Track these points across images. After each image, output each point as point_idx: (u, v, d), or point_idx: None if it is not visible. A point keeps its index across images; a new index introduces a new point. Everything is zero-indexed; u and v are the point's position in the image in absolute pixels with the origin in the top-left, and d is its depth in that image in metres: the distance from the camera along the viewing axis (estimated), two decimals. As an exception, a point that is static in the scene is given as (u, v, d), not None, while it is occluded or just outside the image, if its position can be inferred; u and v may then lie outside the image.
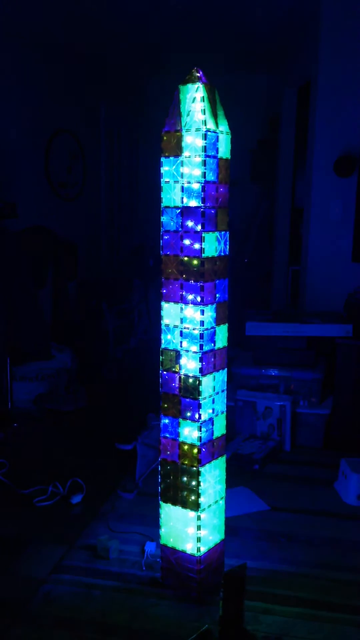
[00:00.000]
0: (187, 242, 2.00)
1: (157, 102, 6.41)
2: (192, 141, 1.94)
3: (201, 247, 1.97)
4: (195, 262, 1.99)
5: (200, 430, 2.08)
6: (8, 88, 4.44)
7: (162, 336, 2.12)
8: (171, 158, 2.00)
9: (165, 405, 2.15)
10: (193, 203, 1.97)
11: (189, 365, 2.06)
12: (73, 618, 2.07)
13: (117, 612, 2.10)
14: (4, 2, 4.02)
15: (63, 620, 2.06)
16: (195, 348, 2.04)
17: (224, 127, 2.03)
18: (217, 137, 1.99)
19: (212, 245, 2.02)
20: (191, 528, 2.14)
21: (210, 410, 2.12)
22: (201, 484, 2.11)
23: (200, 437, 2.08)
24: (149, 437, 3.17)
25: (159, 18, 4.63)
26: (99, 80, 5.85)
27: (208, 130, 1.93)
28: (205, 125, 1.92)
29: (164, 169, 2.03)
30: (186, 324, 2.05)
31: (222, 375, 2.16)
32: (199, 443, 2.08)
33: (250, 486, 3.05)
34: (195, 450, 2.09)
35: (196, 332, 2.03)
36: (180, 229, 2.01)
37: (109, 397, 4.50)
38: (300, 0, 4.16)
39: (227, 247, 2.11)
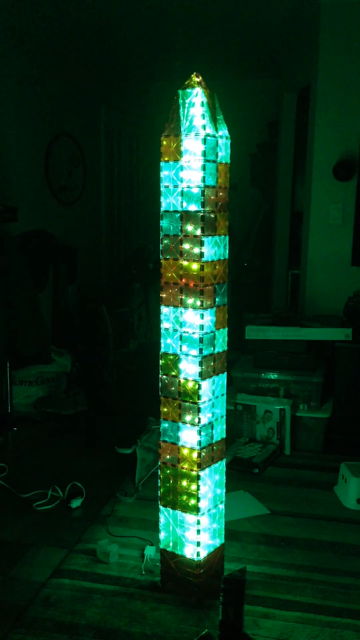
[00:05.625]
0: (186, 246, 2.01)
1: (157, 106, 6.44)
2: (192, 146, 1.95)
3: (200, 251, 1.98)
4: (194, 266, 2.00)
5: (200, 434, 2.08)
6: (8, 92, 4.45)
7: (162, 340, 2.12)
8: (171, 162, 2.01)
9: (165, 409, 2.15)
10: (193, 207, 1.97)
11: (189, 369, 2.06)
12: (72, 622, 2.07)
13: (116, 617, 2.10)
14: (4, 5, 4.04)
15: (62, 625, 2.06)
16: (195, 352, 2.04)
17: (223, 131, 2.04)
18: (217, 142, 2.00)
19: (211, 249, 2.02)
20: (191, 532, 2.14)
21: (210, 414, 2.12)
22: (201, 488, 2.11)
23: (200, 441, 2.08)
24: (149, 441, 3.17)
25: (159, 23, 4.65)
26: (100, 85, 5.86)
27: (207, 135, 1.94)
28: (205, 129, 1.93)
29: (164, 173, 2.03)
30: (186, 327, 2.05)
31: (221, 379, 2.17)
32: (198, 447, 2.08)
33: (250, 490, 3.04)
34: (195, 454, 2.09)
35: (196, 336, 2.03)
36: (179, 233, 2.01)
37: (108, 401, 4.50)
38: (300, 4, 4.18)
39: (227, 250, 2.11)
